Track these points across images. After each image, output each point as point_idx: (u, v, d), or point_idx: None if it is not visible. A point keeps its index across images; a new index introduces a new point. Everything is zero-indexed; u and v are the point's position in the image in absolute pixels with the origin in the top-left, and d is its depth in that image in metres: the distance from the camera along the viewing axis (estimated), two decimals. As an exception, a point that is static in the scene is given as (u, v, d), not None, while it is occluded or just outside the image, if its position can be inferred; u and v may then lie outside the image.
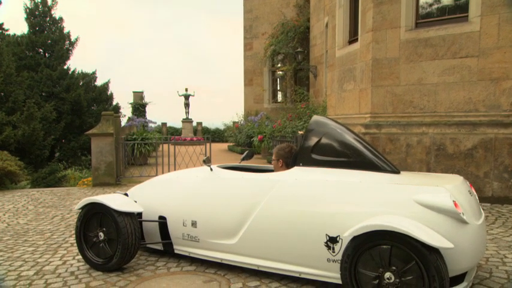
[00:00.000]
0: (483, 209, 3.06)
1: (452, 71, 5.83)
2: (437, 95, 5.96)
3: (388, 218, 2.59)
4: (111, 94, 24.10)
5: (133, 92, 22.33)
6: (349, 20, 7.70)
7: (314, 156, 3.13)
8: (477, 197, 3.09)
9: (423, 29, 6.04)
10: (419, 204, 2.60)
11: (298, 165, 3.19)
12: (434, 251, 2.41)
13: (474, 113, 5.74)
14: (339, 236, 2.78)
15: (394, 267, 2.49)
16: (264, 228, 3.10)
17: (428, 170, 5.89)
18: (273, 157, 3.64)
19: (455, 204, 2.54)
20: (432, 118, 5.99)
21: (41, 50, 21.71)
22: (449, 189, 2.64)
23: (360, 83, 6.86)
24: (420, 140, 6.03)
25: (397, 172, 2.99)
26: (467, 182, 3.16)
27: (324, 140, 3.14)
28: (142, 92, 22.45)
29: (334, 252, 2.81)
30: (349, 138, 3.12)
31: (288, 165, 3.50)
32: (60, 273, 3.41)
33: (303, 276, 3.01)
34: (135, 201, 3.66)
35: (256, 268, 3.20)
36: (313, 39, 13.78)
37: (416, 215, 2.58)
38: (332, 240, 2.81)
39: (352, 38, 7.53)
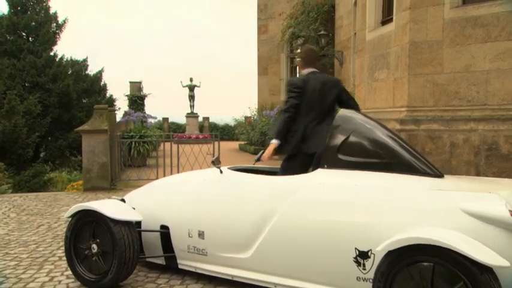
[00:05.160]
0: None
1: (508, 55, 5.72)
2: (489, 84, 5.86)
3: (430, 230, 2.56)
4: (105, 85, 24.32)
5: (130, 82, 22.55)
6: (382, -4, 7.63)
7: (341, 156, 3.13)
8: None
9: (472, 6, 5.94)
10: (467, 213, 2.57)
11: (322, 167, 3.19)
12: (486, 270, 2.37)
13: (533, 105, 5.63)
14: (371, 250, 2.77)
15: (437, 288, 2.46)
16: (282, 240, 3.10)
17: (478, 174, 5.81)
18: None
19: (512, 214, 2.50)
20: (482, 112, 5.90)
21: (23, 34, 22.01)
22: (504, 197, 2.59)
23: (395, 71, 6.79)
24: (467, 138, 5.94)
25: (440, 176, 2.96)
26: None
27: (353, 138, 3.14)
28: (140, 83, 22.66)
29: (364, 269, 2.80)
30: (382, 135, 3.11)
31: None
32: (47, 291, 3.47)
33: (327, 297, 3.00)
34: (133, 208, 3.70)
35: (273, 287, 3.20)
36: (339, 19, 13.70)
37: (463, 226, 2.55)
38: (362, 255, 2.80)
39: (386, 17, 7.46)
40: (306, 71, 4.18)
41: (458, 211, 2.60)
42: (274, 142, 3.85)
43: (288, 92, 4.03)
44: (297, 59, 4.28)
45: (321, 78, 4.10)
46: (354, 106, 4.08)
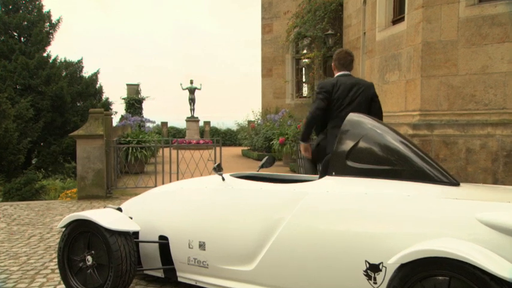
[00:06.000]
0: None
1: (526, 56, 5.73)
2: (507, 86, 5.86)
3: (445, 242, 2.55)
4: (101, 87, 24.53)
5: (127, 84, 22.61)
6: (393, -6, 7.66)
7: (350, 163, 3.12)
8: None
9: (489, 4, 5.95)
10: (484, 224, 2.56)
11: (330, 174, 3.18)
12: (506, 285, 2.35)
13: (554, 109, 5.63)
14: (382, 263, 2.75)
15: (453, 304, 2.45)
16: (287, 251, 3.09)
17: (496, 182, 5.79)
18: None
19: (531, 225, 2.49)
20: (500, 116, 5.89)
21: (15, 34, 22.21)
22: (523, 206, 2.58)
23: (407, 73, 6.79)
24: (484, 143, 5.93)
25: (456, 184, 2.95)
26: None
27: (362, 144, 3.13)
28: (138, 85, 22.70)
29: (376, 283, 2.78)
30: (394, 141, 3.10)
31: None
32: (39, 305, 3.47)
33: (336, 312, 2.99)
34: (131, 218, 3.71)
35: (278, 302, 3.19)
36: (347, 18, 13.72)
37: (480, 237, 2.54)
38: (373, 269, 2.79)
39: (397, 16, 7.48)
40: (337, 74, 4.49)
41: (475, 221, 2.58)
42: (302, 143, 4.49)
43: (316, 94, 4.38)
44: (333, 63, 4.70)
45: (351, 80, 4.36)
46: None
